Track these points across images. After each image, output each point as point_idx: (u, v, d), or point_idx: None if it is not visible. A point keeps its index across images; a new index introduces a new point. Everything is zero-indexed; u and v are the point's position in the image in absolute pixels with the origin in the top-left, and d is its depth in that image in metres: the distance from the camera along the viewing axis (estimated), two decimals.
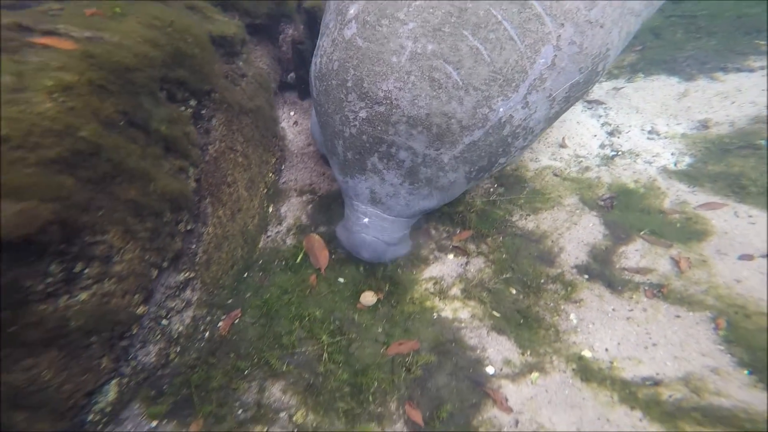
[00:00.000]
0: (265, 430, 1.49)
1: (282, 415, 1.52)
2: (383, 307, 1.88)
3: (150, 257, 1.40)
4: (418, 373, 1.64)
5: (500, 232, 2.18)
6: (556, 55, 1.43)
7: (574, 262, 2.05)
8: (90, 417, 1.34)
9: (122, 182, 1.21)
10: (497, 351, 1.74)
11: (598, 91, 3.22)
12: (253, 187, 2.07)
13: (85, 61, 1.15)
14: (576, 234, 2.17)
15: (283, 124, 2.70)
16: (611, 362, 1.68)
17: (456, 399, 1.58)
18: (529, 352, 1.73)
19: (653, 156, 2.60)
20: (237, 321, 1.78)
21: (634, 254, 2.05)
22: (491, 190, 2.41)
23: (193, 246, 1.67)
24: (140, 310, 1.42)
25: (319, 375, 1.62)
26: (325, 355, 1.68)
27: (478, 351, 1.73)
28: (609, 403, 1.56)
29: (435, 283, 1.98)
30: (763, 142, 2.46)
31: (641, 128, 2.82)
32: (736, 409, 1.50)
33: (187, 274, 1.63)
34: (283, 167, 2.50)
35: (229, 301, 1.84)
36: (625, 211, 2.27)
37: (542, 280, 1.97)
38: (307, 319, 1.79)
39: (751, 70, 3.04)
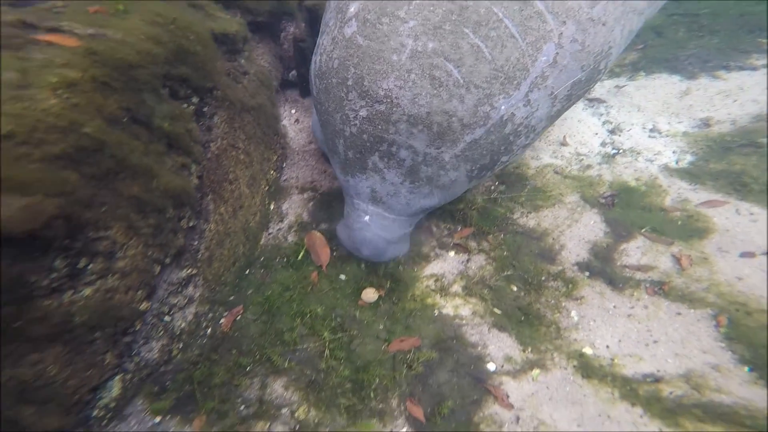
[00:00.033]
0: (268, 426, 1.49)
1: (284, 411, 1.53)
2: (384, 304, 1.88)
3: (153, 253, 1.41)
4: (419, 370, 1.65)
5: (501, 230, 2.18)
6: (557, 53, 1.42)
7: (575, 259, 2.05)
8: (95, 412, 1.35)
9: (125, 178, 1.22)
10: (498, 348, 1.74)
11: (600, 89, 3.22)
12: (255, 185, 2.08)
13: (88, 58, 1.16)
14: (577, 231, 2.17)
15: (285, 122, 2.71)
16: (612, 359, 1.69)
17: (457, 395, 1.58)
18: (530, 349, 1.73)
19: (654, 154, 2.60)
20: (239, 318, 1.79)
21: (636, 252, 2.05)
22: (492, 187, 2.41)
23: (196, 242, 1.68)
24: (143, 306, 1.43)
25: (320, 371, 1.63)
26: (327, 351, 1.68)
27: (479, 348, 1.74)
28: (610, 399, 1.56)
29: (436, 280, 1.98)
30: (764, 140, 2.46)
31: (642, 126, 2.82)
32: (737, 405, 1.50)
33: (189, 270, 1.64)
34: (284, 165, 2.50)
35: (231, 297, 1.85)
36: (627, 208, 2.27)
37: (543, 278, 1.97)
38: (308, 315, 1.80)
39: (754, 69, 3.04)
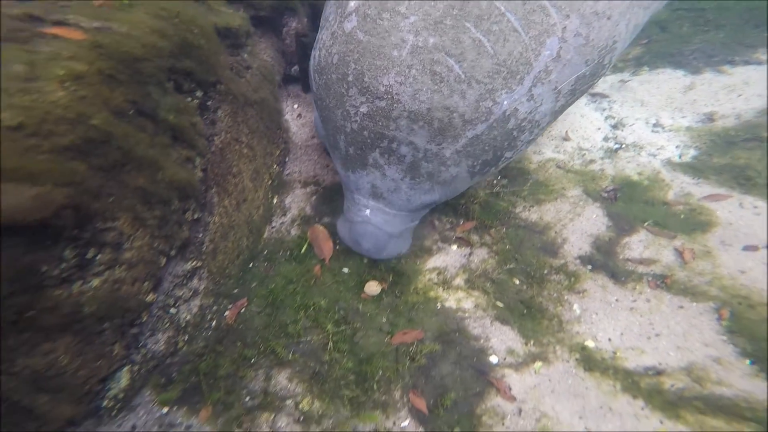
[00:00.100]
0: (272, 417, 1.51)
1: (288, 402, 1.54)
2: (387, 297, 1.90)
3: (158, 245, 1.43)
4: (422, 362, 1.66)
5: (503, 224, 2.19)
6: (561, 47, 1.40)
7: (578, 252, 2.06)
8: (104, 403, 1.37)
9: (131, 170, 1.23)
10: (501, 341, 1.75)
11: (603, 84, 3.21)
12: (258, 179, 2.09)
13: (94, 51, 1.17)
14: (579, 225, 2.18)
15: (287, 117, 2.71)
16: (614, 352, 1.70)
17: (460, 387, 1.60)
18: (532, 342, 1.74)
19: (657, 149, 2.59)
20: (243, 310, 1.80)
21: (638, 245, 2.06)
22: (494, 182, 2.42)
23: (200, 235, 1.69)
24: (149, 297, 1.44)
25: (324, 363, 1.65)
26: (330, 344, 1.70)
27: (482, 341, 1.75)
28: (612, 392, 1.57)
29: (439, 274, 1.99)
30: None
31: (646, 121, 2.81)
32: (737, 398, 1.51)
33: (194, 263, 1.66)
34: (287, 159, 2.51)
35: (235, 290, 1.87)
36: (629, 202, 2.27)
37: (545, 271, 1.98)
38: (312, 308, 1.81)
39: (760, 63, 3.02)
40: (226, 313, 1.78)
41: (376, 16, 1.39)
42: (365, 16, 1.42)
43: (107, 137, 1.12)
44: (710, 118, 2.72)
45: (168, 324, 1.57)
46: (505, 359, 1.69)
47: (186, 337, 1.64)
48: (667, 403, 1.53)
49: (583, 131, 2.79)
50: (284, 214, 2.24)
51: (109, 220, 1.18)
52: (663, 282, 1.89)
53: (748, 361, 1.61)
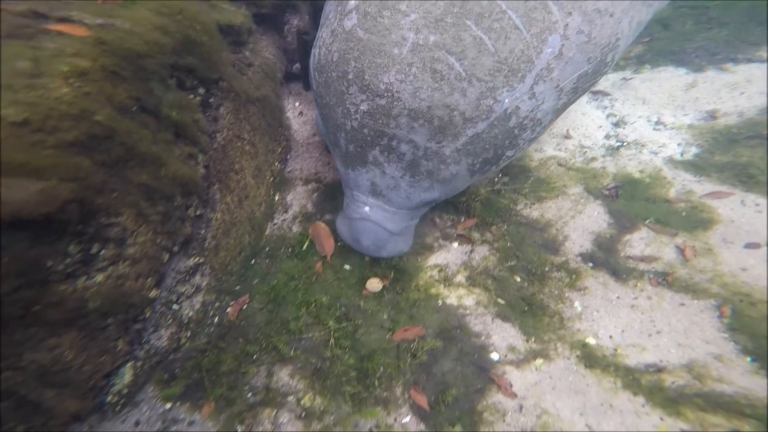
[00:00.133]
0: (274, 413, 1.52)
1: (290, 398, 1.55)
2: (388, 293, 1.90)
3: (161, 241, 1.43)
4: (423, 359, 1.67)
5: (505, 221, 2.19)
6: (563, 45, 1.39)
7: (579, 250, 2.06)
8: (109, 398, 1.38)
9: (135, 166, 1.24)
10: (502, 338, 1.76)
11: (604, 82, 3.20)
12: (260, 175, 2.10)
13: (98, 47, 1.17)
14: (581, 222, 2.18)
15: (289, 114, 2.72)
16: (615, 349, 1.70)
17: (461, 384, 1.60)
18: (533, 339, 1.75)
19: (659, 146, 2.59)
20: (245, 307, 1.81)
21: (639, 243, 2.06)
22: (496, 179, 2.42)
23: (202, 231, 1.70)
24: (152, 293, 1.45)
25: (326, 360, 1.65)
26: (332, 340, 1.71)
27: (483, 337, 1.76)
28: (612, 389, 1.58)
29: (440, 271, 2.00)
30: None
31: (647, 119, 2.80)
32: (737, 395, 1.51)
33: (196, 259, 1.67)
34: (288, 157, 2.52)
35: (237, 287, 1.88)
36: (630, 200, 2.27)
37: (547, 268, 1.99)
38: (313, 305, 1.82)
39: (763, 61, 3.00)
40: (228, 309, 1.79)
41: (377, 14, 1.39)
42: (365, 14, 1.41)
43: (111, 133, 1.13)
44: (712, 115, 2.72)
45: (171, 320, 1.58)
46: (506, 356, 1.70)
47: (188, 334, 1.65)
48: (668, 400, 1.53)
49: (584, 129, 2.79)
50: (286, 211, 2.25)
51: (112, 216, 1.19)
52: (664, 279, 1.90)
53: (748, 359, 1.61)
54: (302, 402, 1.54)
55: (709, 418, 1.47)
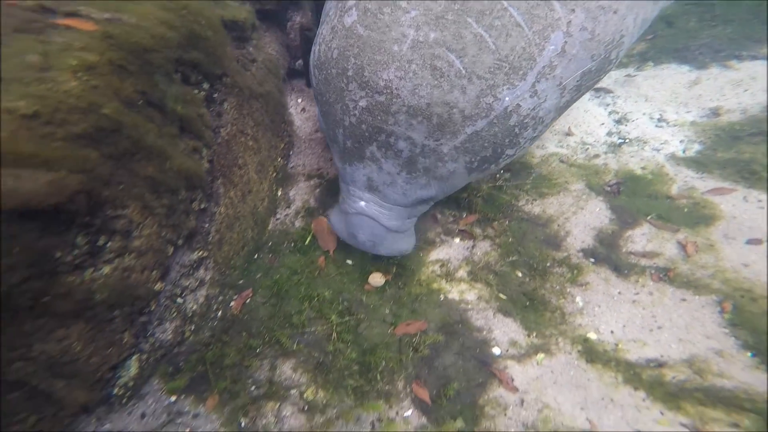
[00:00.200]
0: (277, 406, 1.54)
1: (293, 392, 1.57)
2: (391, 288, 1.91)
3: (166, 234, 1.45)
4: (425, 353, 1.68)
5: (506, 217, 2.20)
6: (566, 42, 1.37)
7: (581, 245, 2.07)
8: (115, 391, 1.40)
9: (141, 159, 1.25)
10: (503, 332, 1.77)
11: (606, 79, 3.20)
12: (263, 171, 2.11)
13: (105, 41, 1.18)
14: (582, 218, 2.18)
15: (292, 110, 2.73)
16: (616, 344, 1.71)
17: (463, 378, 1.61)
18: (534, 334, 1.76)
19: (661, 143, 2.59)
20: (248, 301, 1.83)
21: (641, 238, 2.06)
22: (497, 175, 2.42)
23: (206, 225, 1.72)
24: (158, 286, 1.47)
25: (328, 354, 1.67)
26: (334, 334, 1.72)
27: (485, 332, 1.77)
28: (613, 383, 1.59)
29: (442, 266, 2.01)
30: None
31: (650, 116, 2.80)
32: (737, 390, 1.52)
33: (200, 252, 1.68)
34: (291, 152, 2.53)
35: (241, 281, 1.89)
36: (632, 196, 2.27)
37: (548, 264, 1.99)
38: (316, 299, 1.83)
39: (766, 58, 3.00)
40: (232, 303, 1.81)
41: (377, 11, 1.38)
42: (365, 11, 1.41)
43: (118, 126, 1.14)
44: (715, 112, 2.71)
45: (175, 313, 1.60)
46: (507, 351, 1.71)
47: (192, 327, 1.67)
48: (669, 394, 1.54)
49: (586, 126, 2.79)
50: (288, 206, 2.26)
51: (119, 208, 1.20)
52: (666, 275, 1.90)
53: (749, 354, 1.62)
54: (305, 395, 1.56)
55: (709, 412, 1.48)
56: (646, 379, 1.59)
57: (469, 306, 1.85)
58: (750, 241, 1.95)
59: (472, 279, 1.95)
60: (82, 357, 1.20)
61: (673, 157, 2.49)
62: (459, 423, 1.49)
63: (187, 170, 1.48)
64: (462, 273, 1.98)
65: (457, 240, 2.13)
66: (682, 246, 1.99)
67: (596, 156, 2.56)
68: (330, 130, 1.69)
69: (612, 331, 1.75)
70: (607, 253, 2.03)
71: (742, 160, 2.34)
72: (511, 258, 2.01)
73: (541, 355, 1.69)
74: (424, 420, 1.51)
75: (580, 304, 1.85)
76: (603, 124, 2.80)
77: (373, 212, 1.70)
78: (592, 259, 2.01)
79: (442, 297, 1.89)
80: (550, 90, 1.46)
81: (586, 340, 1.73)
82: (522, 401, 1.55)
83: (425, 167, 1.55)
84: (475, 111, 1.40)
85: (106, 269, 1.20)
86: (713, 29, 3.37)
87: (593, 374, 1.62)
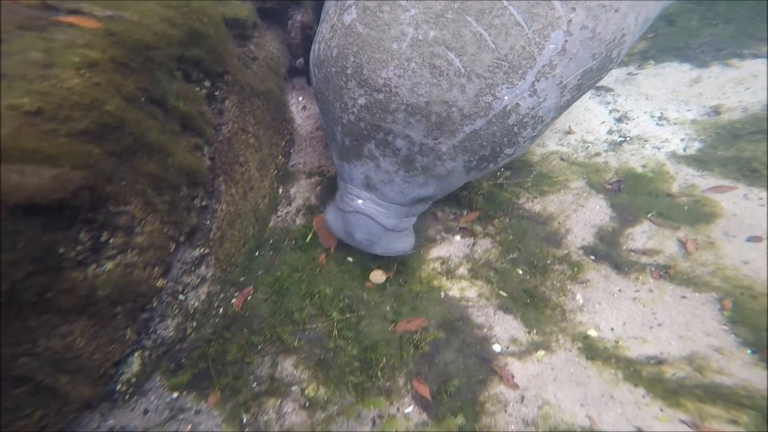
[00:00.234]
0: (279, 402, 1.54)
1: (294, 388, 1.57)
2: (391, 285, 1.92)
3: (168, 230, 1.46)
4: (426, 350, 1.69)
5: (507, 214, 2.20)
6: (566, 41, 1.37)
7: (581, 243, 2.07)
8: (118, 387, 1.41)
9: (143, 156, 1.26)
10: (504, 329, 1.77)
11: (607, 78, 3.19)
12: (264, 168, 2.12)
13: (107, 39, 1.19)
14: (583, 216, 2.19)
15: (292, 108, 2.73)
16: (616, 341, 1.71)
17: (463, 375, 1.62)
18: (535, 331, 1.76)
19: (662, 141, 2.59)
20: (250, 298, 1.84)
21: (641, 236, 2.07)
22: (498, 173, 2.43)
23: (208, 222, 1.72)
24: (160, 283, 1.48)
25: (329, 350, 1.68)
26: (335, 331, 1.73)
27: (485, 329, 1.77)
28: (613, 380, 1.59)
29: (442, 263, 2.02)
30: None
31: (650, 114, 2.80)
32: (737, 386, 1.52)
33: (202, 249, 1.69)
34: (292, 150, 2.53)
35: (242, 278, 1.90)
36: (633, 194, 2.28)
37: (549, 261, 2.00)
38: (317, 296, 1.84)
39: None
40: (233, 300, 1.81)
41: (376, 9, 1.38)
42: (365, 9, 1.40)
43: (120, 123, 1.15)
44: (716, 111, 2.71)
45: (177, 310, 1.61)
46: (508, 348, 1.72)
47: (194, 324, 1.68)
48: (668, 391, 1.55)
49: (587, 124, 2.79)
50: (289, 204, 2.27)
51: (121, 204, 1.21)
52: (666, 272, 1.91)
53: (749, 351, 1.62)
54: (306, 392, 1.56)
55: (708, 409, 1.48)
56: (646, 376, 1.60)
57: (470, 303, 1.86)
58: (750, 239, 1.96)
59: (473, 276, 1.96)
60: (85, 353, 1.21)
61: (673, 155, 2.49)
62: (459, 419, 1.50)
63: (189, 167, 1.49)
64: (462, 270, 1.99)
65: (457, 237, 2.13)
66: (683, 243, 2.00)
67: (597, 154, 2.56)
68: (329, 127, 1.69)
69: (612, 328, 1.76)
70: (608, 250, 2.03)
71: (743, 158, 2.34)
72: (511, 255, 2.02)
73: (541, 352, 1.69)
74: (424, 416, 1.52)
75: (581, 301, 1.86)
76: (604, 122, 2.80)
77: (371, 210, 1.70)
78: (593, 257, 2.01)
79: (442, 294, 1.89)
80: (550, 89, 1.46)
81: (586, 337, 1.74)
82: (522, 398, 1.56)
83: (423, 166, 1.55)
84: (474, 110, 1.40)
85: (109, 265, 1.21)
86: (714, 27, 3.36)
87: (593, 371, 1.63)
